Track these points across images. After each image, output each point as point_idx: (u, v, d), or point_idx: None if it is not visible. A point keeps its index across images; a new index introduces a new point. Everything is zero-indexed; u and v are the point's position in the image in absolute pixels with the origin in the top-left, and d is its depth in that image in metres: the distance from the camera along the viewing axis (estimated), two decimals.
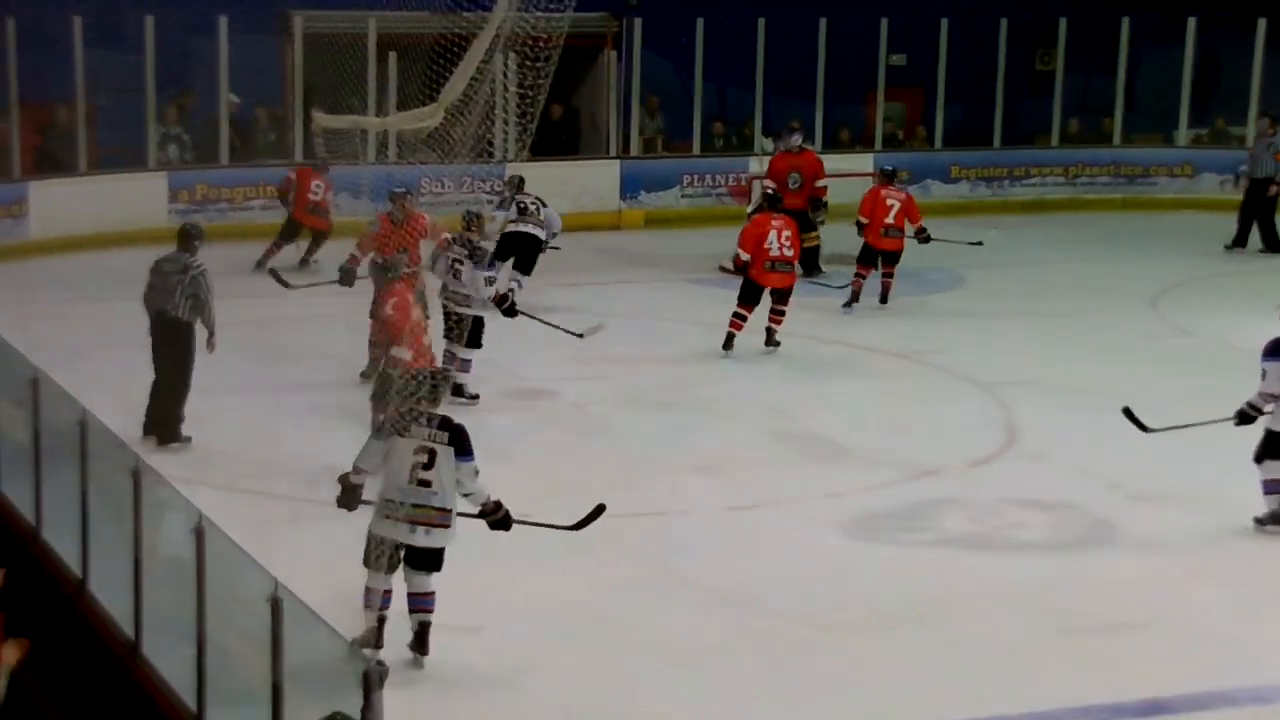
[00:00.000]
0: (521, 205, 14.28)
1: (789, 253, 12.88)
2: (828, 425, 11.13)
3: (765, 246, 12.80)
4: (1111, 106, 20.00)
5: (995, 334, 13.75)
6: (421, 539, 7.16)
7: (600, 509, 7.66)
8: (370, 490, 7.35)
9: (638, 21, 18.73)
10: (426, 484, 7.14)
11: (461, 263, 11.19)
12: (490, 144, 15.71)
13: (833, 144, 18.77)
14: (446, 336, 11.32)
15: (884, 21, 19.14)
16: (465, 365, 11.28)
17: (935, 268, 15.62)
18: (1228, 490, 9.65)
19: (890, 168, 15.37)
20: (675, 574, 8.51)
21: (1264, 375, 9.26)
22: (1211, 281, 15.99)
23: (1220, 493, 9.66)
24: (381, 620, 7.22)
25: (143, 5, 16.43)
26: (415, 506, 7.14)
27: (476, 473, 7.24)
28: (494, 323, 11.50)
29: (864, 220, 14.56)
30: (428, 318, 11.38)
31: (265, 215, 17.12)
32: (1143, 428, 9.57)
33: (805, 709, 7.12)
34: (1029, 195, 19.74)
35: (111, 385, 10.04)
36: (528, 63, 7.64)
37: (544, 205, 14.45)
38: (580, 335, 12.23)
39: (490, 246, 12.40)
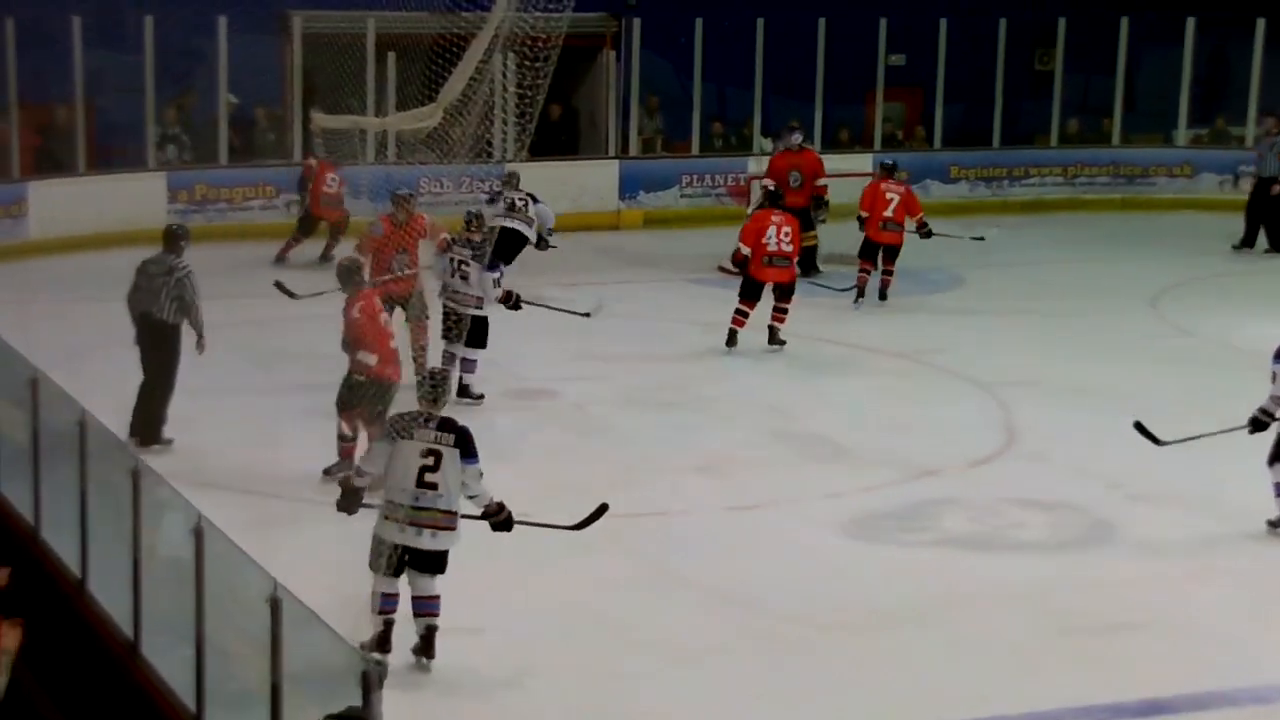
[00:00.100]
0: (509, 201, 14.36)
1: (787, 248, 12.91)
2: (828, 425, 11.12)
3: (763, 241, 12.87)
4: (1111, 106, 19.99)
5: (995, 334, 13.75)
6: (427, 542, 7.15)
7: (603, 509, 7.66)
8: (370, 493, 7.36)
9: (637, 21, 18.72)
10: (432, 486, 7.13)
11: (468, 264, 11.18)
12: (489, 144, 15.70)
13: (832, 144, 18.75)
14: (445, 337, 11.31)
15: (883, 21, 19.14)
16: (471, 365, 11.28)
17: (935, 267, 15.63)
18: (1228, 490, 9.66)
19: (890, 161, 15.45)
20: (675, 574, 8.50)
21: (1275, 378, 9.20)
22: (1211, 281, 15.99)
23: (1220, 493, 9.66)
24: (388, 624, 7.21)
25: (142, 5, 16.41)
26: (421, 509, 7.13)
27: (481, 475, 7.24)
28: (495, 323, 11.49)
29: (864, 214, 14.70)
30: (427, 318, 11.40)
31: (264, 215, 17.14)
32: (1156, 441, 9.41)
33: (805, 709, 7.11)
34: (1028, 195, 19.73)
35: (111, 386, 10.03)
36: (527, 63, 7.64)
37: (536, 201, 14.50)
38: (587, 315, 12.28)
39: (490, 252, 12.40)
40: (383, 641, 7.19)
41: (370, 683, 4.70)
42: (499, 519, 7.36)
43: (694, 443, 10.67)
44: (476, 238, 11.38)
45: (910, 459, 10.34)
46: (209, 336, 10.19)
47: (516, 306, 11.57)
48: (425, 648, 7.20)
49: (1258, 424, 9.19)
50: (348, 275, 9.66)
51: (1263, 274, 16.42)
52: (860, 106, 19.80)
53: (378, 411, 9.31)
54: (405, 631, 7.26)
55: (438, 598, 7.20)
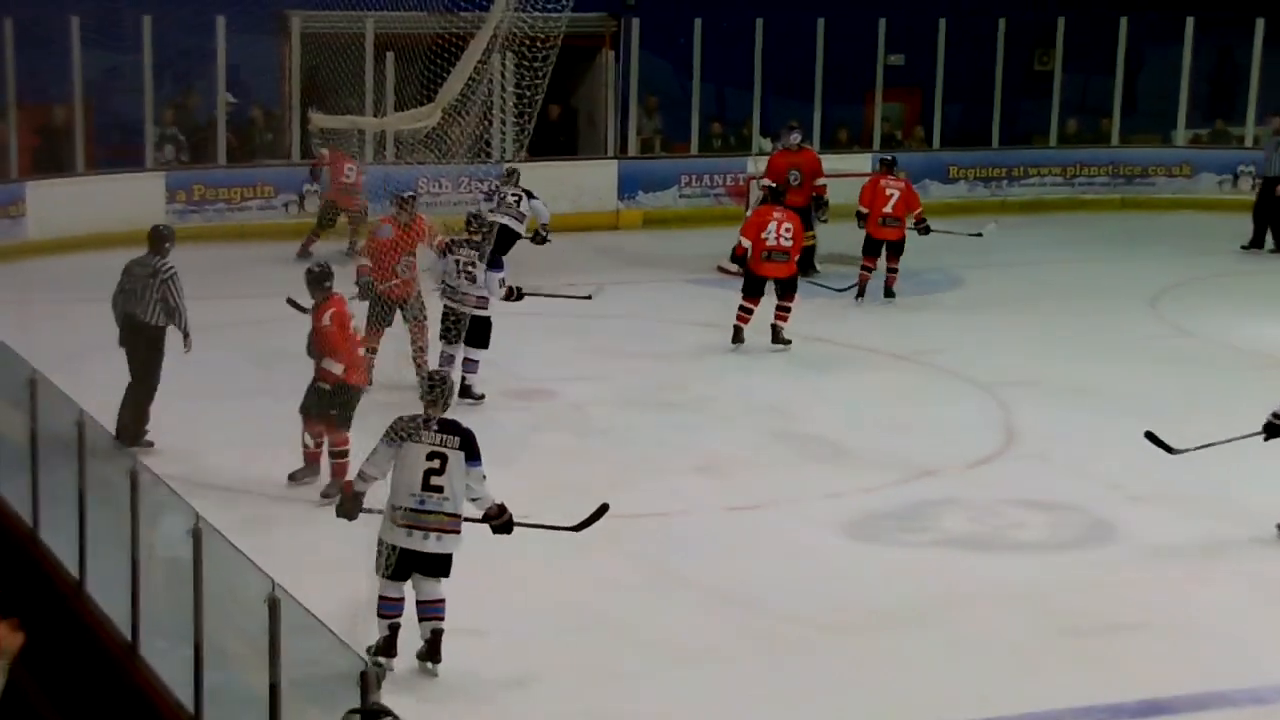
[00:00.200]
0: (501, 196, 14.41)
1: (786, 243, 12.94)
2: (828, 425, 11.11)
3: (763, 236, 12.92)
4: (1110, 107, 19.98)
5: (995, 334, 13.74)
6: (433, 545, 7.13)
7: (603, 509, 7.64)
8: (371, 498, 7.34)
9: (636, 21, 18.71)
10: (438, 489, 7.12)
11: (474, 265, 11.17)
12: (488, 144, 15.69)
13: (831, 144, 18.74)
14: (444, 338, 11.30)
15: (882, 22, 19.13)
16: (473, 366, 11.28)
17: (934, 268, 15.62)
18: (1227, 491, 9.65)
19: (890, 157, 15.51)
20: (675, 574, 8.49)
21: None
22: (1211, 281, 15.98)
23: (1220, 493, 9.65)
24: (394, 629, 7.19)
25: (140, 5, 16.39)
26: (426, 512, 7.11)
27: (484, 477, 7.23)
28: (495, 323, 11.47)
29: (864, 210, 14.78)
30: (425, 318, 11.38)
31: (262, 215, 17.13)
32: (1169, 450, 9.29)
33: (805, 709, 7.11)
34: (1027, 195, 19.72)
35: (109, 386, 10.02)
36: (525, 63, 7.63)
37: (532, 197, 14.56)
38: (588, 297, 12.30)
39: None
40: (388, 646, 7.17)
41: (369, 683, 4.70)
42: (500, 521, 7.34)
43: (694, 443, 10.66)
44: (477, 238, 11.37)
45: (910, 459, 10.33)
46: (208, 336, 10.17)
47: (519, 298, 11.55)
48: (430, 652, 7.17)
49: (1273, 429, 9.11)
50: (319, 282, 9.48)
51: (1262, 274, 16.41)
52: (859, 106, 19.79)
53: (343, 418, 9.27)
54: (407, 635, 7.24)
55: (442, 601, 7.18)
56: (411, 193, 11.61)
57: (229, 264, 15.03)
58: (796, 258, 13.19)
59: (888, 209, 14.66)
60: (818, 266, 15.55)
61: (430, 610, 7.18)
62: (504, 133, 16.05)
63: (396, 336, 11.33)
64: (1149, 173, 20.00)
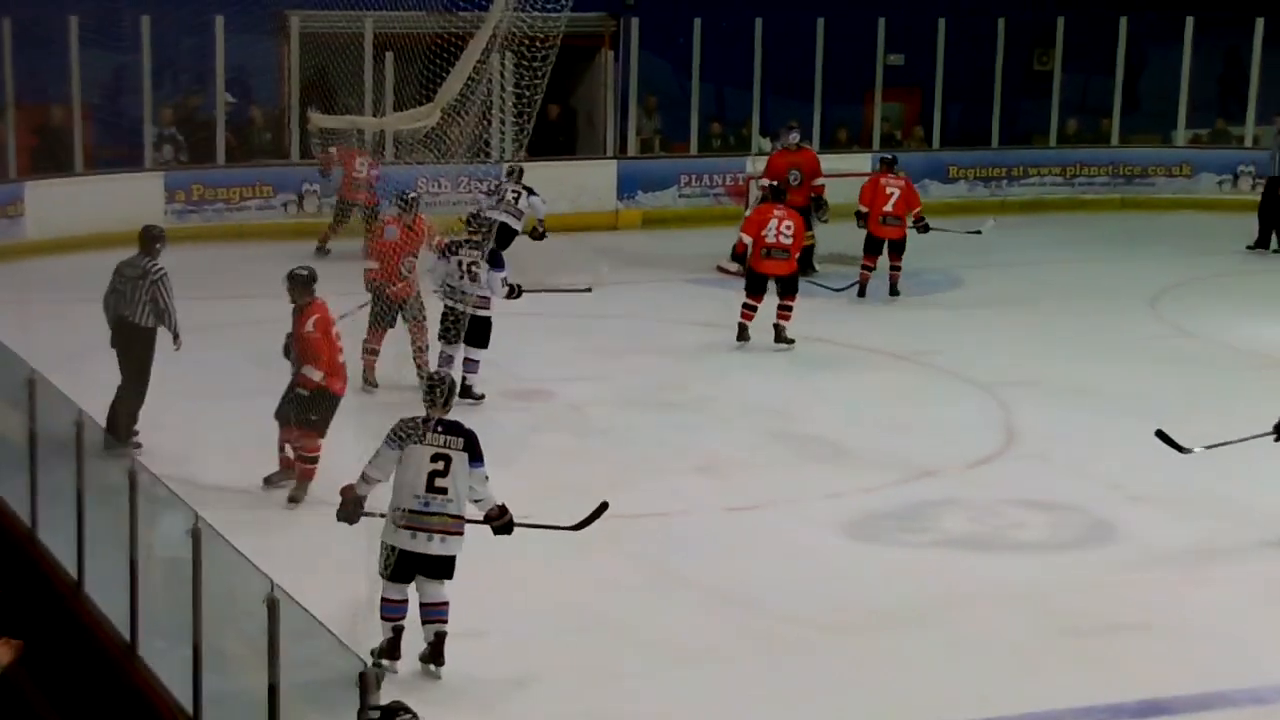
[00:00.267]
0: (501, 193, 14.49)
1: (786, 241, 12.97)
2: (827, 425, 11.11)
3: (763, 234, 12.97)
4: (1110, 106, 19.97)
5: (995, 334, 13.73)
6: (437, 547, 7.12)
7: (602, 507, 7.63)
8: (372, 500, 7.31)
9: (635, 21, 18.69)
10: (442, 491, 7.10)
11: (478, 265, 11.17)
12: (487, 144, 15.70)
13: (831, 144, 18.72)
14: (443, 338, 11.29)
15: (881, 21, 19.11)
16: (474, 366, 11.27)
17: (934, 268, 15.61)
18: (1227, 491, 9.64)
19: (891, 156, 15.56)
20: (675, 574, 8.49)
21: None
22: (1211, 281, 15.97)
23: (1220, 493, 9.64)
24: (398, 631, 7.18)
25: (139, 5, 16.37)
26: (431, 514, 7.09)
27: (487, 479, 7.22)
28: (494, 323, 11.46)
29: (864, 209, 14.84)
30: (424, 319, 11.37)
31: (261, 215, 17.11)
32: (1180, 449, 9.21)
33: (805, 709, 7.10)
34: (1027, 195, 19.70)
35: (108, 387, 10.01)
36: (525, 62, 7.62)
37: (531, 194, 14.71)
38: (588, 289, 12.30)
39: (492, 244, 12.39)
40: (392, 649, 7.16)
41: (368, 684, 4.69)
42: (501, 522, 7.33)
43: (694, 443, 10.65)
44: (477, 237, 11.37)
45: (910, 459, 10.32)
46: (207, 336, 10.16)
47: (519, 295, 11.55)
48: (434, 655, 7.16)
49: None
50: (305, 285, 9.31)
51: (1262, 274, 16.40)
52: (859, 106, 19.78)
53: (320, 424, 9.18)
54: (409, 637, 7.23)
55: (446, 604, 7.17)
56: (415, 193, 11.62)
57: (228, 264, 15.02)
58: (796, 256, 13.21)
59: (888, 207, 14.74)
60: (816, 266, 15.54)
61: (434, 613, 7.17)
62: (503, 132, 16.08)
63: (396, 338, 11.33)
64: (1149, 173, 19.99)
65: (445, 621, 7.16)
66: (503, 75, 9.45)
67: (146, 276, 9.96)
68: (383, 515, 7.23)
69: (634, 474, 9.89)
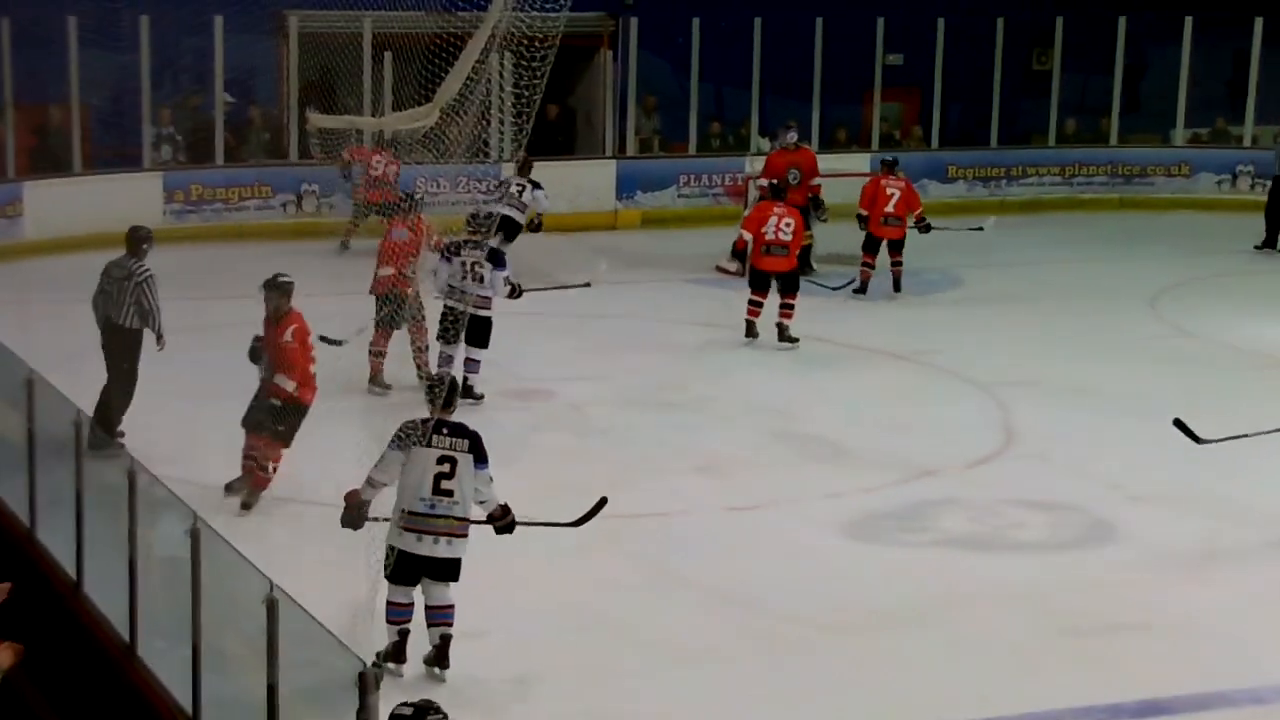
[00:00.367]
0: (506, 186, 14.56)
1: (785, 237, 13.05)
2: (827, 425, 11.10)
3: (763, 231, 13.05)
4: (1109, 106, 19.97)
5: (995, 334, 13.73)
6: (443, 549, 7.10)
7: (602, 502, 7.62)
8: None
9: (634, 21, 18.69)
10: (448, 493, 7.08)
11: (482, 265, 11.17)
12: (486, 144, 15.72)
13: (830, 144, 18.73)
14: (441, 338, 11.28)
15: (880, 21, 19.12)
16: (475, 365, 11.27)
17: (934, 268, 15.61)
18: (1227, 490, 9.64)
19: (892, 157, 15.58)
20: (675, 574, 8.48)
21: None
22: (1211, 281, 15.97)
23: (1220, 493, 9.64)
24: (403, 634, 7.16)
25: (138, 5, 16.37)
26: (437, 516, 7.07)
27: (491, 480, 7.21)
28: (495, 322, 11.45)
29: (864, 213, 14.93)
30: (424, 318, 11.36)
31: (260, 215, 17.11)
32: (1196, 439, 9.14)
33: (805, 709, 7.09)
34: (1026, 195, 19.71)
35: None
36: (523, 62, 7.61)
37: (537, 188, 14.90)
38: (587, 284, 12.33)
39: (495, 243, 12.41)
40: (398, 652, 7.14)
41: (367, 684, 4.68)
42: (503, 522, 7.32)
43: (694, 443, 10.65)
44: (477, 237, 11.37)
45: (910, 459, 10.32)
46: (206, 336, 10.15)
47: (520, 294, 11.55)
48: (439, 657, 7.14)
49: None
50: (286, 295, 9.17)
51: (1262, 274, 16.41)
52: (858, 106, 19.78)
53: (287, 434, 9.09)
54: (412, 640, 7.22)
55: (452, 607, 7.15)
56: (420, 194, 11.65)
57: (227, 264, 15.00)
58: (796, 253, 13.24)
59: (889, 208, 14.82)
60: (814, 265, 15.55)
61: (440, 616, 7.15)
62: (502, 132, 16.09)
63: (395, 338, 11.32)
64: (1148, 172, 20.00)
65: (451, 624, 7.14)
66: (501, 75, 9.47)
67: (132, 278, 9.92)
68: (387, 519, 7.20)
69: (634, 474, 9.88)
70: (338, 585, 7.21)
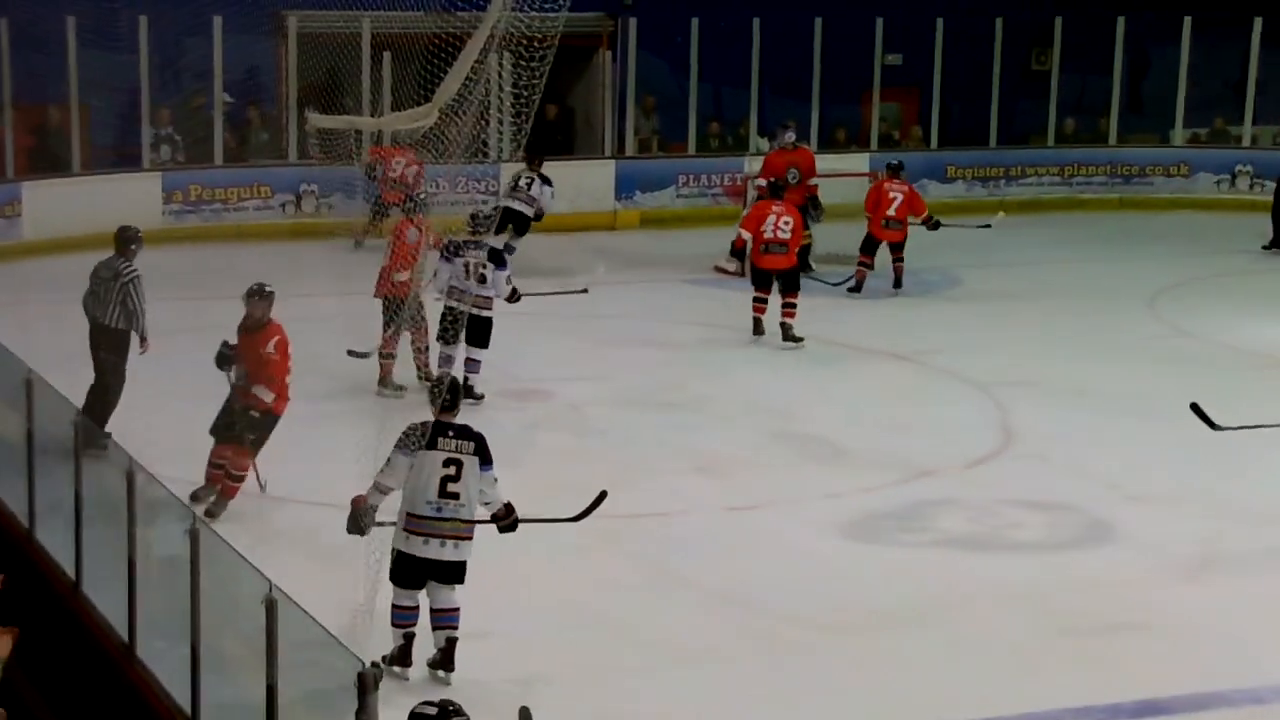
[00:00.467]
0: (514, 179, 14.56)
1: (784, 235, 13.11)
2: (826, 425, 11.10)
3: (761, 229, 13.11)
4: (1108, 106, 19.97)
5: (994, 334, 13.72)
6: (450, 553, 7.09)
7: (602, 496, 7.62)
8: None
9: (633, 21, 18.68)
10: (454, 496, 7.06)
11: (484, 266, 11.16)
12: (485, 144, 15.73)
13: (828, 144, 18.72)
14: (441, 338, 11.27)
15: (879, 21, 19.11)
16: (475, 366, 11.26)
17: (933, 267, 15.61)
18: (1227, 490, 9.64)
19: (897, 161, 15.59)
20: (675, 574, 8.48)
21: None
22: (1210, 281, 15.96)
23: (1219, 492, 9.65)
24: (409, 638, 7.15)
25: (137, 5, 16.36)
26: (444, 520, 7.06)
27: (496, 481, 7.20)
28: (494, 323, 11.45)
29: (868, 215, 15.03)
30: (424, 319, 11.35)
31: (259, 216, 17.10)
32: (1212, 425, 9.02)
33: (805, 709, 7.09)
34: (1025, 195, 19.68)
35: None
36: (522, 63, 7.62)
37: (546, 183, 15.01)
38: (584, 291, 12.33)
39: (497, 243, 12.42)
40: (404, 656, 7.13)
41: (366, 684, 4.67)
42: (507, 522, 7.31)
43: (693, 443, 10.64)
44: (477, 237, 11.36)
45: (909, 459, 10.32)
46: (205, 337, 10.08)
47: (518, 299, 11.55)
48: (445, 660, 7.13)
49: None
50: (270, 304, 9.11)
51: (1261, 274, 16.40)
52: (857, 106, 19.77)
53: (258, 444, 9.04)
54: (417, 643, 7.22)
55: (458, 610, 7.14)
56: (425, 194, 11.65)
57: (226, 264, 14.98)
58: (796, 251, 13.28)
59: (890, 211, 14.90)
60: (813, 265, 15.55)
61: (445, 619, 7.13)
62: (501, 132, 16.09)
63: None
64: (1147, 172, 19.98)
65: (456, 627, 7.13)
66: (500, 75, 9.47)
67: (118, 278, 9.89)
68: (393, 524, 7.18)
69: (633, 474, 9.87)
70: (337, 585, 7.21)
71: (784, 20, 18.49)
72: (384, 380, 11.21)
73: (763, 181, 14.97)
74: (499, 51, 7.88)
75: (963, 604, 8.17)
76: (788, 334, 12.97)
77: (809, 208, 15.46)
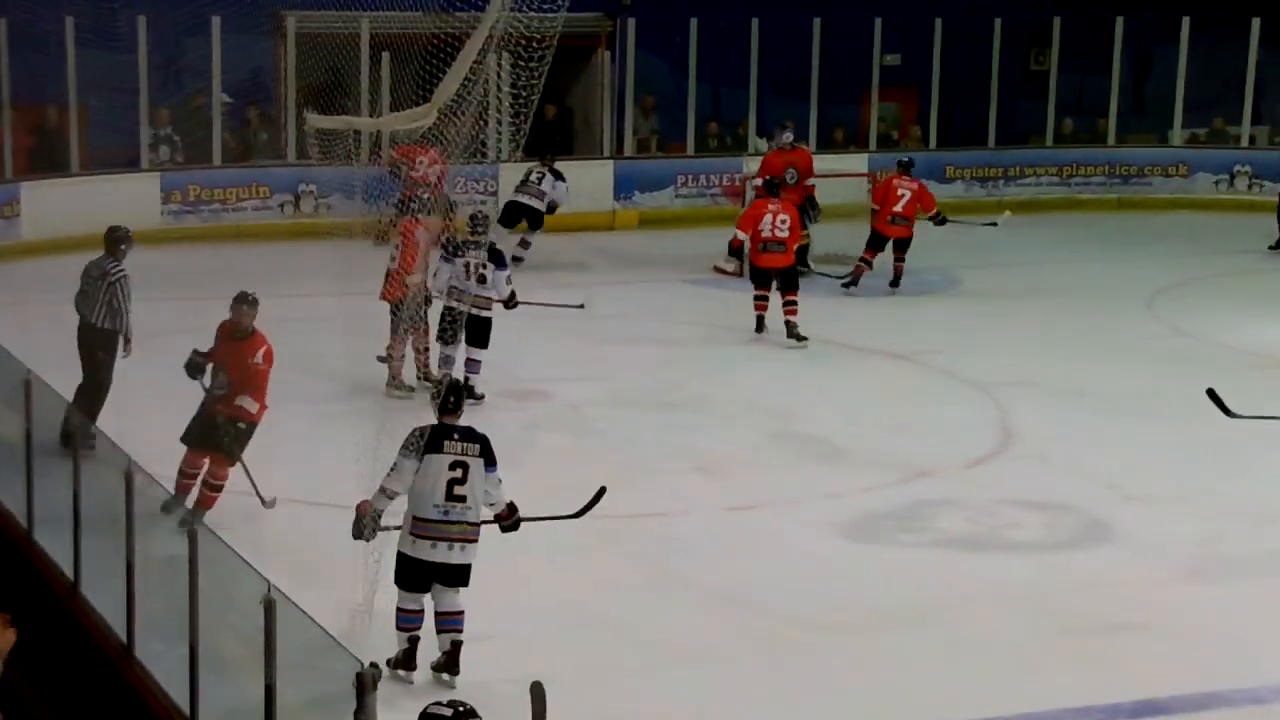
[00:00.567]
0: (525, 175, 14.76)
1: (782, 234, 13.15)
2: (826, 425, 11.09)
3: (759, 229, 13.15)
4: (1106, 106, 19.97)
5: (993, 334, 13.72)
6: (456, 556, 7.08)
7: (601, 492, 7.62)
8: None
9: (632, 21, 18.67)
10: (461, 499, 7.05)
11: (486, 266, 11.16)
12: (484, 144, 15.72)
13: (827, 144, 18.71)
14: (441, 339, 11.26)
15: (878, 21, 19.10)
16: (476, 366, 11.26)
17: (933, 267, 15.61)
18: (1226, 490, 9.64)
19: (908, 159, 15.64)
20: (675, 574, 8.48)
21: None
22: (1210, 281, 15.96)
23: (1219, 492, 9.65)
24: (414, 641, 7.14)
25: (136, 5, 16.35)
26: (450, 523, 7.05)
27: (500, 482, 7.19)
28: (494, 323, 11.44)
29: (875, 207, 15.08)
30: (424, 319, 11.34)
31: (258, 216, 17.08)
32: (1228, 412, 8.90)
33: (805, 709, 7.09)
34: (1024, 195, 19.64)
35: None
36: (521, 63, 7.61)
37: (559, 178, 15.16)
38: (580, 306, 12.35)
39: (513, 239, 12.44)
40: (408, 659, 7.12)
41: (365, 684, 4.67)
42: (510, 521, 7.31)
43: (693, 443, 10.64)
44: (477, 237, 11.35)
45: (909, 459, 10.31)
46: (204, 338, 10.07)
47: (514, 305, 11.55)
48: (449, 664, 7.11)
49: None
50: (254, 311, 9.03)
51: (1261, 274, 16.40)
52: (855, 106, 19.76)
53: (236, 453, 8.94)
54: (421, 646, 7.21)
55: (462, 613, 7.12)
56: (428, 194, 11.65)
57: (224, 265, 14.97)
58: (794, 248, 13.30)
59: (898, 208, 14.92)
60: (812, 265, 15.55)
61: (450, 622, 7.12)
62: (500, 133, 16.07)
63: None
64: (1145, 172, 19.97)
65: (461, 630, 7.11)
66: (499, 75, 9.44)
67: (105, 278, 9.85)
68: (398, 528, 7.17)
69: (633, 474, 9.86)
70: (335, 585, 7.20)
71: (783, 20, 18.48)
72: (393, 379, 11.19)
73: (760, 181, 14.97)
74: (498, 51, 7.88)
75: (962, 604, 8.16)
76: (792, 332, 12.97)
77: (807, 208, 15.46)
